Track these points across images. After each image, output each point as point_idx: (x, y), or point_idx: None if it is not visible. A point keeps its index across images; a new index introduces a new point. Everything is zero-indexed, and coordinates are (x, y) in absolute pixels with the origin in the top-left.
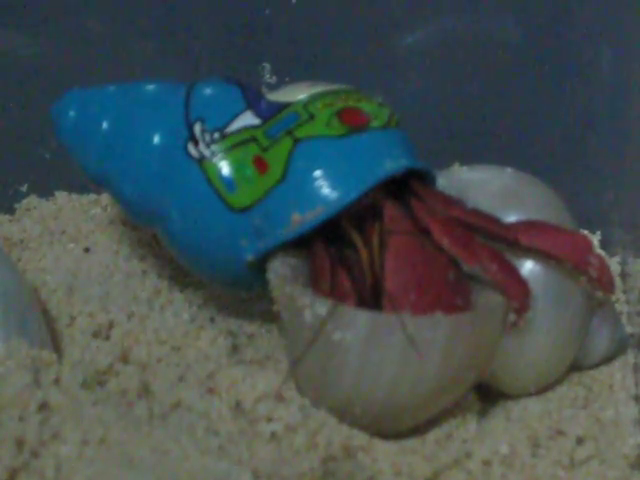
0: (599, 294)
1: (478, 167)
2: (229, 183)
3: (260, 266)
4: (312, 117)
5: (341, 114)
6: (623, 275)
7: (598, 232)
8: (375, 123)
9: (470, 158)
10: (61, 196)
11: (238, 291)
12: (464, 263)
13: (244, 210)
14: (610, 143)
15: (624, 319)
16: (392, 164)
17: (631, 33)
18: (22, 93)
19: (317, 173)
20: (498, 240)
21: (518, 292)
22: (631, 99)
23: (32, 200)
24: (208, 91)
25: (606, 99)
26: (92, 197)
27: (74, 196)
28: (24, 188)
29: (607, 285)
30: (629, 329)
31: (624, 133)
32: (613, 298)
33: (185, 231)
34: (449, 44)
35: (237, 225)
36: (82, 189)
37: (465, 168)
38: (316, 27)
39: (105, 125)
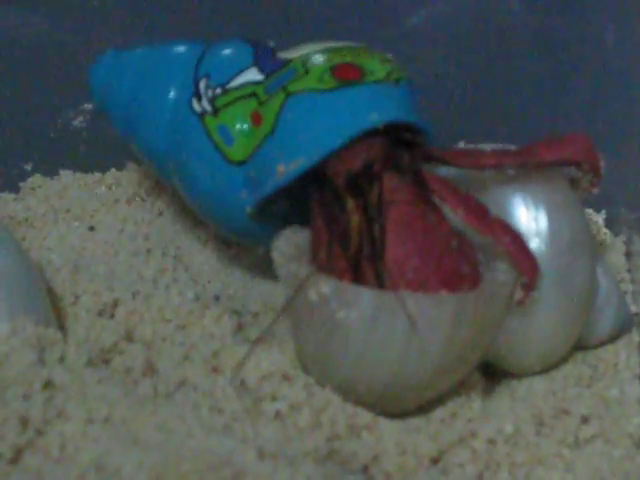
0: (589, 189)
1: (483, 145)
2: (228, 137)
3: (261, 218)
4: (307, 72)
5: (335, 69)
6: (628, 254)
7: (603, 211)
8: (370, 78)
9: (475, 136)
10: (66, 175)
11: (248, 241)
12: (477, 234)
13: (241, 163)
14: (615, 122)
15: (629, 298)
16: (378, 117)
17: (635, 8)
18: (27, 72)
19: (301, 125)
20: (527, 166)
21: (528, 267)
22: (636, 78)
23: (37, 179)
24: (221, 49)
25: (611, 79)
26: (97, 176)
27: (79, 175)
28: (29, 167)
29: (599, 179)
30: (634, 308)
31: (629, 112)
32: (618, 277)
33: (190, 185)
34: (455, 22)
35: (236, 178)
36: (87, 168)
37: (471, 147)
38: (325, 2)
39: (131, 82)
